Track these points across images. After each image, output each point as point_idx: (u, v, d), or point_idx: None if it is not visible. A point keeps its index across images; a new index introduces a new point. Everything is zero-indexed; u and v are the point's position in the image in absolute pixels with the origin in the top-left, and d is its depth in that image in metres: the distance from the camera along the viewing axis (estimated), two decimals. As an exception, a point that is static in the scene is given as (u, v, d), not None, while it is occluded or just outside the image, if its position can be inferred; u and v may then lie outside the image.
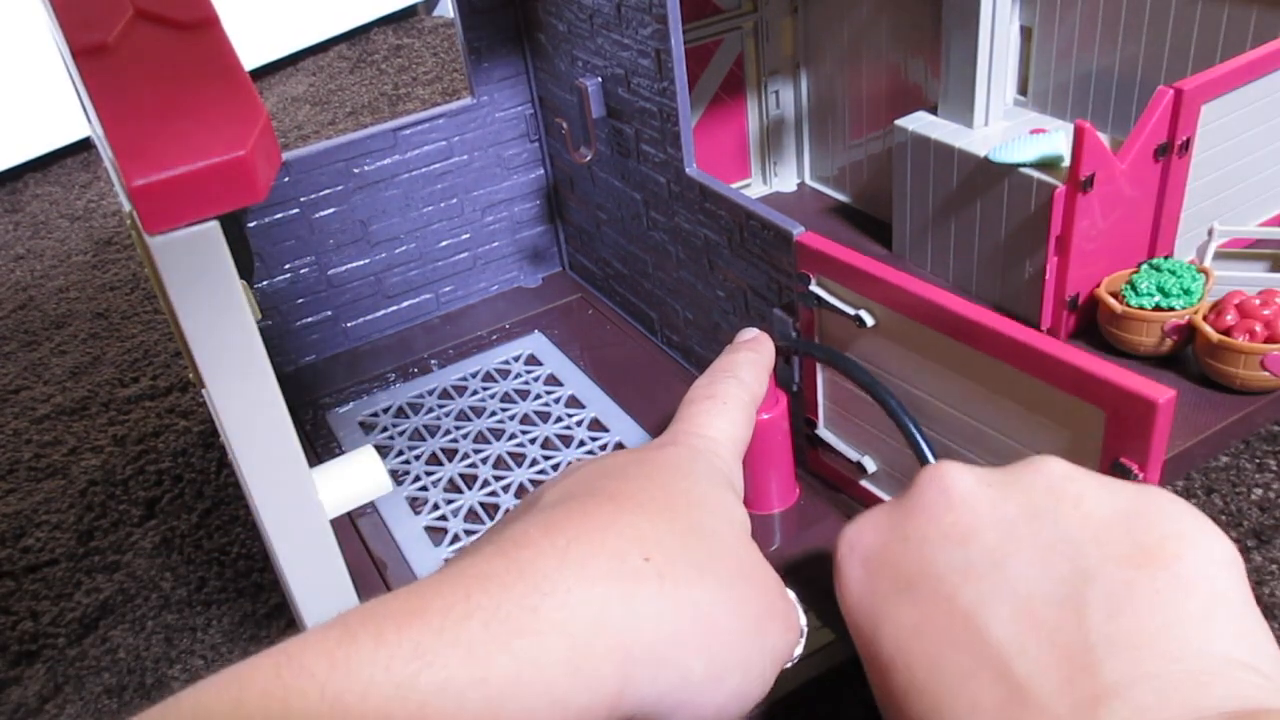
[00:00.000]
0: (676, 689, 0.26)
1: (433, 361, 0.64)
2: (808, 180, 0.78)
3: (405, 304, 0.68)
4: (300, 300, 0.64)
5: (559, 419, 0.57)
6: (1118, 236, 0.54)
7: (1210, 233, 0.57)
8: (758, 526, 0.35)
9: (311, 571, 0.31)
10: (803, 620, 0.32)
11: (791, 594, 0.32)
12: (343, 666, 0.22)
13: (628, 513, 0.27)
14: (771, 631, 0.29)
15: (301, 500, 0.30)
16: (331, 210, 0.63)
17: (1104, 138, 0.52)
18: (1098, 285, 0.55)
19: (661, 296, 0.60)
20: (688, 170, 0.52)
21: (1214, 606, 0.24)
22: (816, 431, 0.49)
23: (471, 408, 0.59)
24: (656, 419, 0.56)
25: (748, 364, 0.37)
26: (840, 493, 0.49)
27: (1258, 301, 0.50)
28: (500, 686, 0.23)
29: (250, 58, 1.25)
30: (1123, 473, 0.33)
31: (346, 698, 0.21)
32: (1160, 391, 0.31)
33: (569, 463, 0.54)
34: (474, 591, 0.24)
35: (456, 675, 0.22)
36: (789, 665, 0.32)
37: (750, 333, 0.38)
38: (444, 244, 0.67)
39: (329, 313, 0.65)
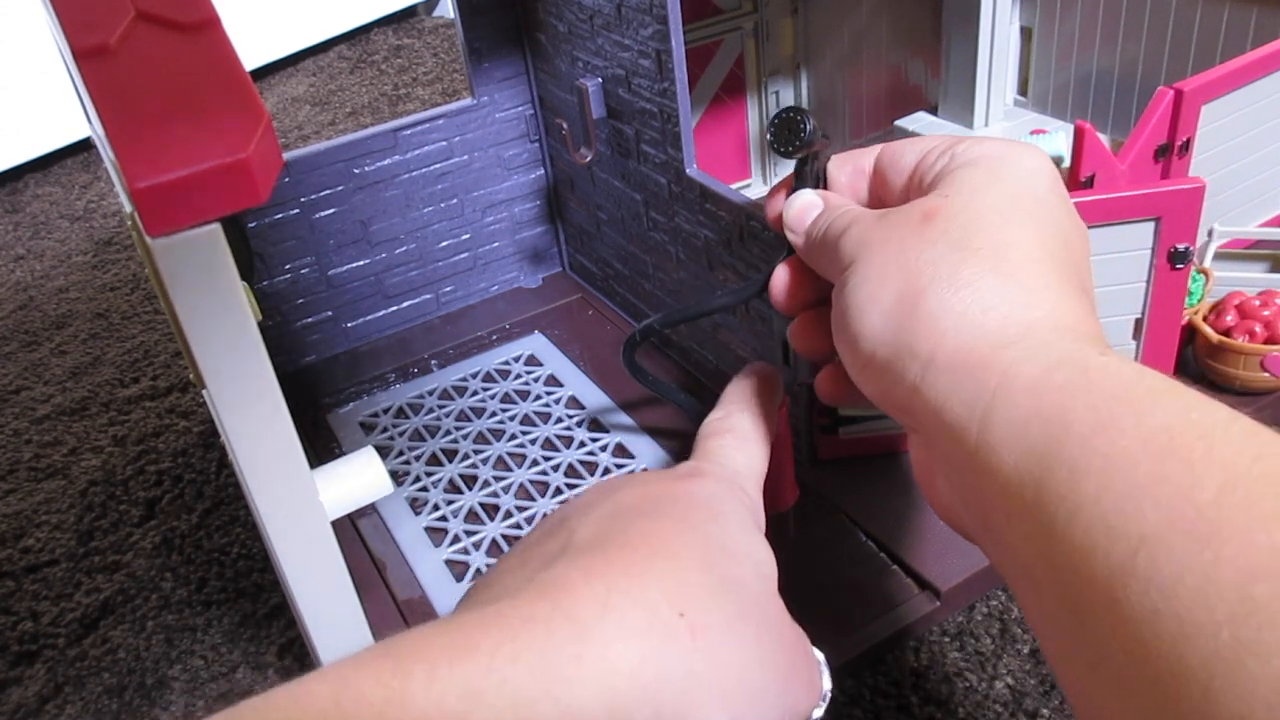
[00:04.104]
0: None
1: (433, 362, 0.64)
2: (808, 180, 0.78)
3: (405, 304, 0.68)
4: (300, 300, 0.64)
5: (559, 419, 0.57)
6: (1118, 237, 0.54)
7: (1210, 233, 0.57)
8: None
9: (312, 572, 0.31)
10: (826, 684, 0.32)
11: (819, 654, 0.32)
12: (398, 699, 0.22)
13: (664, 563, 0.28)
14: (793, 688, 0.29)
15: (302, 501, 0.30)
16: (332, 210, 0.63)
17: (1104, 138, 0.52)
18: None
19: (661, 297, 0.60)
20: (688, 171, 0.52)
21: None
22: (839, 414, 0.49)
23: (472, 408, 0.59)
24: (656, 420, 0.56)
25: (759, 395, 0.37)
26: (871, 462, 0.50)
27: (1258, 302, 0.50)
28: None
29: (250, 58, 1.25)
30: None
31: None
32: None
33: (569, 464, 0.54)
34: (521, 634, 0.24)
35: (503, 719, 0.23)
36: None
37: (759, 366, 0.39)
38: (444, 244, 0.67)
39: (329, 313, 0.65)
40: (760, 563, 0.30)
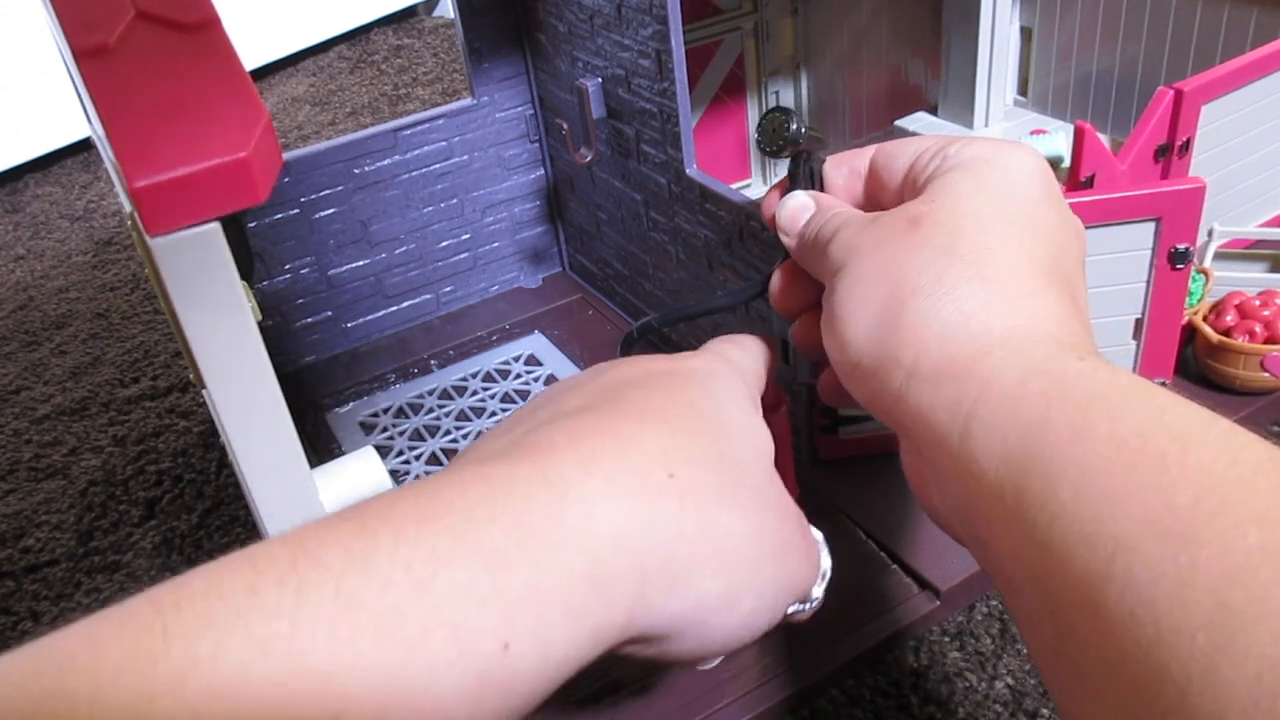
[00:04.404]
0: (691, 609, 0.26)
1: (433, 362, 0.64)
2: (808, 180, 0.78)
3: (405, 304, 0.68)
4: (300, 300, 0.64)
5: (559, 419, 0.57)
6: (1118, 237, 0.54)
7: (1210, 233, 0.57)
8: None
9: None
10: (825, 562, 0.32)
11: (817, 533, 0.32)
12: (360, 562, 0.21)
13: (654, 427, 0.27)
14: (789, 562, 0.29)
15: (302, 501, 0.30)
16: (331, 210, 0.63)
17: (1104, 138, 0.52)
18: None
19: (661, 297, 0.60)
20: (688, 171, 0.52)
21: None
22: (839, 414, 0.49)
23: (472, 408, 0.59)
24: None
25: (763, 341, 0.37)
26: (871, 463, 0.50)
27: (1258, 302, 0.50)
28: (518, 595, 0.22)
29: (250, 58, 1.25)
30: None
31: (362, 594, 0.21)
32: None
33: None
34: (498, 495, 0.24)
35: (476, 581, 0.22)
36: (807, 607, 0.31)
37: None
38: (444, 244, 0.67)
39: (329, 313, 0.65)
40: (756, 438, 0.30)
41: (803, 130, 0.36)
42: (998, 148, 0.32)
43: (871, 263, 0.30)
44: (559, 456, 0.25)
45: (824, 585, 0.32)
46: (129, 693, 0.18)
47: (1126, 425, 0.22)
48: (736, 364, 0.34)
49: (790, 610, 0.31)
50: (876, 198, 0.35)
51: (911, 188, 0.33)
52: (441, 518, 0.23)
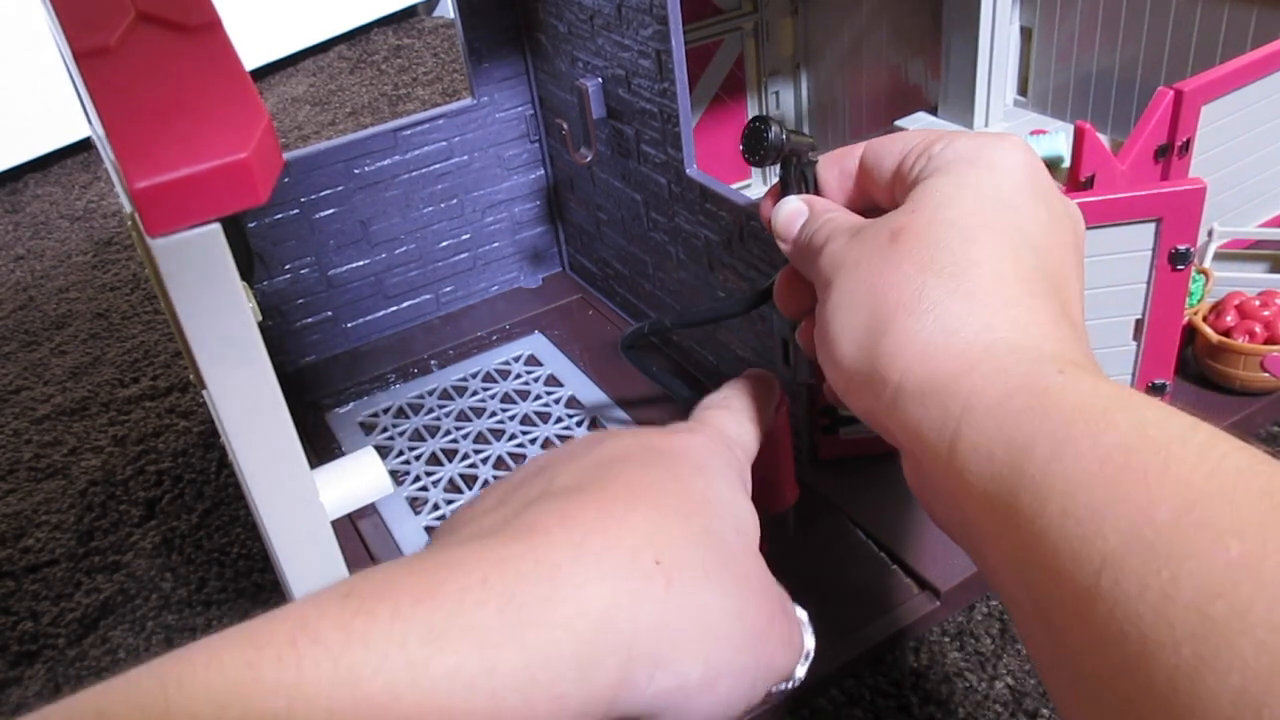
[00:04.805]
0: (671, 691, 0.26)
1: (433, 362, 0.64)
2: (808, 181, 0.78)
3: (405, 304, 0.68)
4: (300, 300, 0.64)
5: (559, 419, 0.57)
6: (1118, 237, 0.54)
7: (1210, 234, 0.57)
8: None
9: (312, 573, 0.31)
10: (809, 642, 0.32)
11: (801, 613, 0.32)
12: (359, 640, 0.22)
13: (643, 510, 0.28)
14: (769, 644, 0.29)
15: (302, 501, 0.30)
16: (331, 210, 0.63)
17: (1104, 138, 0.52)
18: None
19: (661, 297, 0.60)
20: (688, 171, 0.52)
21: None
22: (839, 414, 0.49)
23: (472, 408, 0.59)
24: (656, 419, 0.56)
25: (757, 393, 0.37)
26: (871, 463, 0.50)
27: (1258, 302, 0.50)
28: (507, 678, 0.23)
29: (250, 58, 1.25)
30: None
31: (360, 670, 0.21)
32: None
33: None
34: (490, 576, 0.24)
35: (467, 662, 0.22)
36: (788, 686, 0.32)
37: (757, 372, 0.39)
38: (444, 244, 0.67)
39: (329, 313, 0.65)
40: (741, 519, 0.30)
41: (783, 135, 0.36)
42: (981, 145, 0.31)
43: (855, 280, 0.30)
44: (549, 539, 0.26)
45: (806, 665, 0.32)
46: None
47: (1108, 439, 0.23)
48: (729, 437, 0.34)
49: (773, 690, 0.31)
50: (870, 195, 0.35)
51: (901, 185, 0.33)
52: (435, 597, 0.23)
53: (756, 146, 0.36)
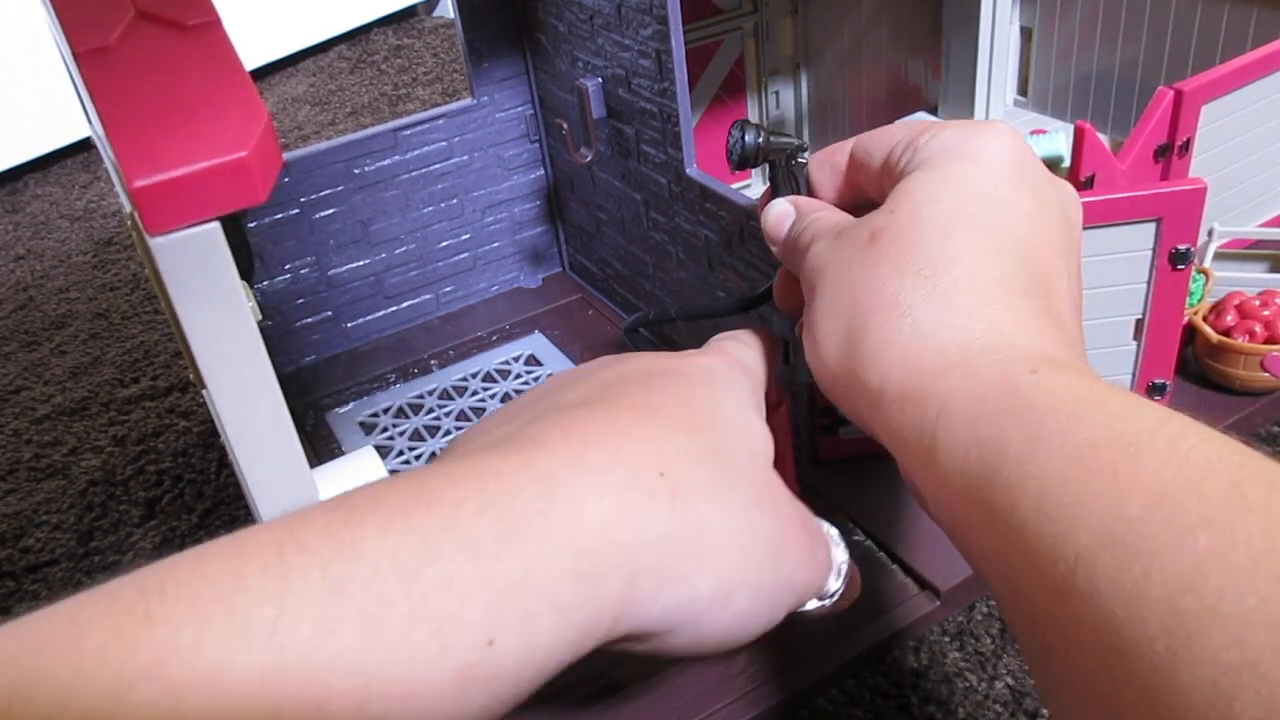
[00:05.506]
0: (681, 606, 0.26)
1: (433, 362, 0.64)
2: (808, 181, 0.78)
3: (405, 304, 0.68)
4: (300, 300, 0.64)
5: (559, 419, 0.57)
6: (1118, 237, 0.54)
7: (1210, 233, 0.57)
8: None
9: (312, 572, 0.31)
10: (839, 556, 0.31)
11: (831, 529, 0.32)
12: (348, 550, 0.21)
13: (648, 425, 0.27)
14: (788, 559, 0.29)
15: (302, 501, 0.30)
16: (331, 210, 0.63)
17: (1104, 138, 0.52)
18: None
19: (662, 297, 0.60)
20: (688, 171, 0.52)
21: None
22: (839, 414, 0.49)
23: (472, 408, 0.59)
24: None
25: (762, 335, 0.37)
26: (871, 462, 0.49)
27: (1258, 302, 0.50)
28: (504, 590, 0.22)
29: (250, 58, 1.25)
30: None
31: (348, 583, 0.21)
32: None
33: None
34: (488, 487, 0.24)
35: (461, 573, 0.22)
36: (826, 604, 0.31)
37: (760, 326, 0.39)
38: (444, 244, 0.67)
39: (329, 313, 0.65)
40: (753, 436, 0.30)
41: (760, 138, 0.36)
42: (966, 136, 0.31)
43: (836, 284, 0.30)
44: (550, 450, 0.25)
45: (843, 579, 0.31)
46: (108, 677, 0.18)
47: (1078, 436, 0.23)
48: (743, 363, 0.34)
49: (810, 606, 0.31)
50: (862, 190, 0.35)
51: (889, 179, 0.32)
52: (430, 509, 0.23)
53: (733, 151, 0.36)
